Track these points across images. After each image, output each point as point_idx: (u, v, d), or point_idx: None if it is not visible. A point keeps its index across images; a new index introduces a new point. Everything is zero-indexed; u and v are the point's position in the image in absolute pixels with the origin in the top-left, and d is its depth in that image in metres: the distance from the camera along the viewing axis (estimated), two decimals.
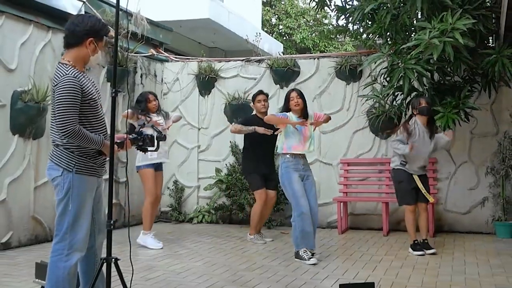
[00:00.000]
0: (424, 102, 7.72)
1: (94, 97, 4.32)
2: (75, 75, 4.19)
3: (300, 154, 7.45)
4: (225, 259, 7.34)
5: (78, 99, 4.17)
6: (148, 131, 4.53)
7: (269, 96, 9.19)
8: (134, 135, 4.55)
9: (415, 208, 7.77)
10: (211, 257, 7.44)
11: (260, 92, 9.07)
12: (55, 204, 4.31)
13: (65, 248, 4.22)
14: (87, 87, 4.27)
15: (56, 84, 4.17)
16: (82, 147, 4.23)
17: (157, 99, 8.59)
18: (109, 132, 4.48)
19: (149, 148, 4.59)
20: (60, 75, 4.18)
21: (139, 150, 4.62)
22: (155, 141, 4.60)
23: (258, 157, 8.87)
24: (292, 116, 7.43)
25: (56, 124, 4.14)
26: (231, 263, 7.06)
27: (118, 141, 4.44)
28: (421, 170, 7.79)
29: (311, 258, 7.06)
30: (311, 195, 7.40)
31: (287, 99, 7.55)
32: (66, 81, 4.13)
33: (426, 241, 7.74)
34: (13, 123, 7.94)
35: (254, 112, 8.98)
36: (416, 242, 7.70)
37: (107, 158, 4.38)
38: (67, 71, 4.19)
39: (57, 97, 4.14)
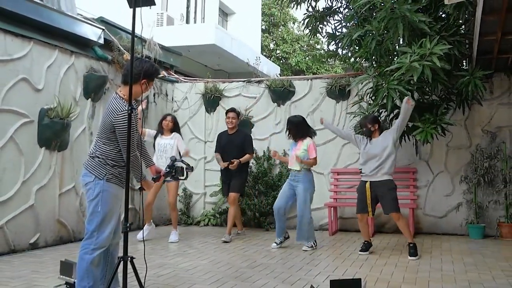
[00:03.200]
0: (363, 124, 7.88)
1: (137, 127, 4.61)
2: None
3: (292, 169, 8.19)
4: (228, 257, 7.33)
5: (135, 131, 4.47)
6: (179, 164, 4.81)
7: (268, 112, 9.20)
8: (167, 169, 4.88)
9: (362, 217, 7.77)
10: (216, 256, 7.43)
11: (230, 109, 9.22)
12: (86, 206, 4.53)
13: (91, 244, 4.44)
14: (135, 119, 4.50)
15: (117, 117, 4.43)
16: (116, 161, 4.52)
17: (173, 121, 9.00)
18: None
19: (180, 177, 4.93)
20: (120, 110, 4.45)
21: (172, 179, 5.06)
22: (185, 172, 4.92)
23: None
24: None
25: (123, 151, 4.46)
26: (233, 261, 7.05)
27: (154, 176, 4.90)
28: (374, 175, 7.56)
29: (274, 243, 8.27)
30: (298, 202, 8.11)
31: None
32: (126, 117, 4.36)
33: (411, 244, 7.40)
34: (40, 137, 7.95)
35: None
36: (365, 242, 7.79)
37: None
38: (125, 106, 4.42)
39: (121, 130, 4.42)
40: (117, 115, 4.42)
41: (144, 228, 8.71)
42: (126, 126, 4.31)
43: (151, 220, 9.06)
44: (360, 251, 7.72)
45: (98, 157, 4.52)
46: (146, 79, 4.61)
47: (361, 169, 7.85)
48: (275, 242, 8.21)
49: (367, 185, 7.62)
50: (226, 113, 9.19)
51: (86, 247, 4.45)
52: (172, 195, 8.84)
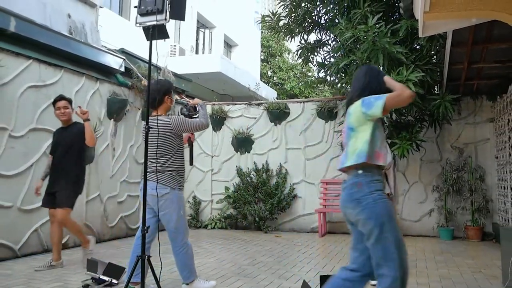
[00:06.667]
0: None
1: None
2: None
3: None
4: (232, 256, 7.32)
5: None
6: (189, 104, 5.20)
7: (267, 131, 9.09)
8: (184, 110, 5.13)
9: None
10: (221, 255, 7.43)
11: (58, 98, 6.20)
12: (164, 213, 4.75)
13: (183, 242, 5.03)
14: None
15: (173, 123, 4.80)
16: (180, 171, 4.88)
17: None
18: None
19: (193, 116, 5.12)
20: (170, 119, 4.81)
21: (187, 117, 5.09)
22: (196, 109, 5.15)
23: (50, 171, 6.26)
24: None
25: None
26: (237, 259, 7.04)
27: (191, 104, 5.18)
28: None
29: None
30: None
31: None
32: (179, 120, 4.88)
33: None
34: None
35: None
36: None
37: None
38: (169, 116, 4.90)
39: (181, 127, 4.88)
40: (170, 123, 4.76)
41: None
42: (185, 123, 4.81)
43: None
44: None
45: (170, 171, 4.76)
46: (168, 95, 4.92)
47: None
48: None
49: None
50: (54, 103, 6.17)
51: (183, 246, 5.02)
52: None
